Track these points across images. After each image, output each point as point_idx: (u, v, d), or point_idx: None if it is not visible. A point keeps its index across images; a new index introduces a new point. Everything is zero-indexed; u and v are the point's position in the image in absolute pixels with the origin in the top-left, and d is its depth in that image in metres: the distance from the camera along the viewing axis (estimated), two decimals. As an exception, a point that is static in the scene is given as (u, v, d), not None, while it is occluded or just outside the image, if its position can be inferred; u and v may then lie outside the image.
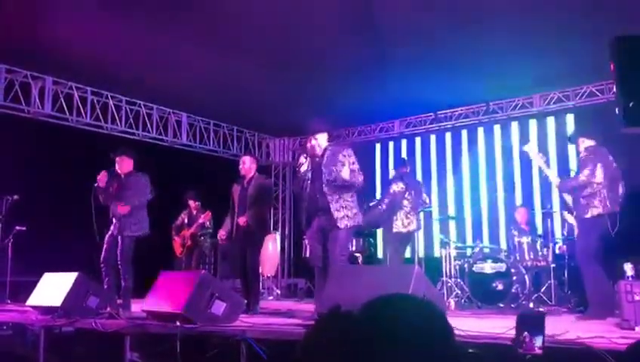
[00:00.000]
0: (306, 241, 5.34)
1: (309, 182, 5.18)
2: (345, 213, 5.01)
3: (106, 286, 6.12)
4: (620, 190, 5.44)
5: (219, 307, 4.50)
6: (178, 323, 4.23)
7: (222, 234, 6.42)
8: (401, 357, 1.01)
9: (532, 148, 5.98)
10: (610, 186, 5.26)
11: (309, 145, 5.32)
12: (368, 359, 1.02)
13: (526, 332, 2.75)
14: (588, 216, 5.22)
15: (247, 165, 6.34)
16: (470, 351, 2.95)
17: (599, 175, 5.23)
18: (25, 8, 6.61)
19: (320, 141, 5.27)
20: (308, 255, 5.51)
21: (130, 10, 6.64)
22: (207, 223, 8.48)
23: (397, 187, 7.27)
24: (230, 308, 4.58)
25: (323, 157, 5.18)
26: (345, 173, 5.03)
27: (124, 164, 6.52)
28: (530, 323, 2.76)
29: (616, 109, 2.23)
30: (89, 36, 7.27)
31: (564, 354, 2.99)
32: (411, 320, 1.07)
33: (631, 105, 2.12)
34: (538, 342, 2.70)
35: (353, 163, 5.13)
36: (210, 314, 4.44)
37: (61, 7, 6.61)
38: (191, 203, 8.67)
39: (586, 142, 5.50)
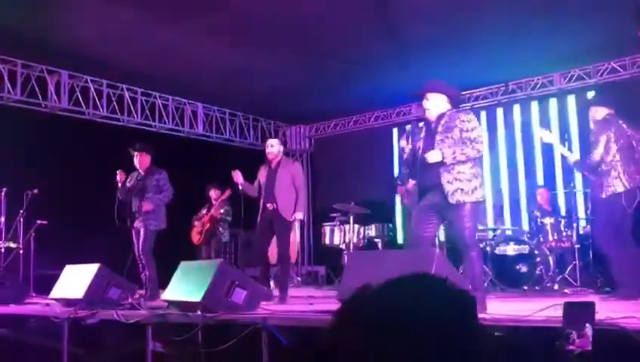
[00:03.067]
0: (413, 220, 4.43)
1: (420, 152, 4.40)
2: (458, 185, 4.23)
3: (143, 278, 6.57)
4: None
5: (239, 295, 4.47)
6: (199, 312, 4.22)
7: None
8: (417, 343, 0.94)
9: (546, 133, 5.74)
10: (627, 158, 4.98)
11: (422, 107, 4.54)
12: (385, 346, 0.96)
13: (574, 329, 2.42)
14: (604, 195, 5.00)
15: (276, 148, 6.18)
16: (496, 334, 2.89)
17: (612, 150, 4.96)
18: (38, 3, 6.60)
19: (434, 102, 4.40)
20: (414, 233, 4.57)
21: (143, 1, 6.61)
22: (225, 210, 8.43)
23: None
24: (251, 295, 4.55)
25: (438, 122, 4.39)
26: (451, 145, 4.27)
27: (142, 160, 6.71)
28: (579, 313, 2.47)
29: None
30: (103, 29, 7.24)
31: (595, 335, 2.91)
32: (430, 301, 1.00)
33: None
34: (588, 335, 2.42)
35: (470, 130, 4.28)
36: (231, 303, 4.41)
37: (73, 0, 6.60)
38: (212, 193, 8.67)
39: (599, 112, 5.21)
